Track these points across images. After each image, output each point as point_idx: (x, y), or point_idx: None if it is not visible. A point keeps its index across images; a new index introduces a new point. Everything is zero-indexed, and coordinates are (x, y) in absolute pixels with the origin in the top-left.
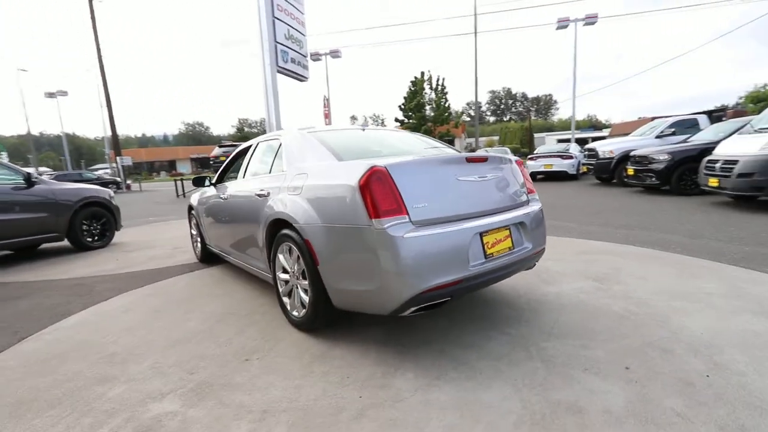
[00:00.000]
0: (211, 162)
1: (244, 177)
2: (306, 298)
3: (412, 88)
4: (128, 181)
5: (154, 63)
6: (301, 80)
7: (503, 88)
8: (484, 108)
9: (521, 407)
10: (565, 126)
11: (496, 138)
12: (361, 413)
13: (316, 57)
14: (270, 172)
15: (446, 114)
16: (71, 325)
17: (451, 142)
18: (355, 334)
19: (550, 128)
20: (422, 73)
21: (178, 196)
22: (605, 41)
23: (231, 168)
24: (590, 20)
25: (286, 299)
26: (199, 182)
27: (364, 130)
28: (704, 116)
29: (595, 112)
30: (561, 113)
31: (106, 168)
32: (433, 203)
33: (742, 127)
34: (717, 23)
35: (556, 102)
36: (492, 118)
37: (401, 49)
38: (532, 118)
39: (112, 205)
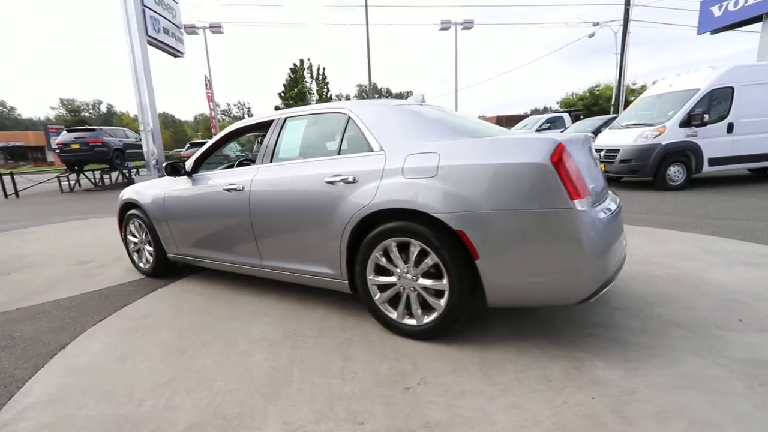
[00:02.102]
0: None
1: (271, 161)
2: (437, 302)
3: (292, 76)
4: None
5: None
6: (175, 55)
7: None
8: (352, 100)
9: (728, 372)
10: None
11: None
12: (626, 419)
13: (192, 30)
14: (339, 153)
15: None
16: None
17: None
18: (480, 334)
19: None
20: (301, 61)
21: (7, 196)
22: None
23: (212, 153)
24: (467, 25)
25: (387, 307)
26: (175, 171)
27: (421, 105)
28: (567, 114)
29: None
30: None
31: None
32: (589, 183)
33: (604, 123)
34: (545, 42)
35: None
36: None
37: (285, 34)
38: None
39: None
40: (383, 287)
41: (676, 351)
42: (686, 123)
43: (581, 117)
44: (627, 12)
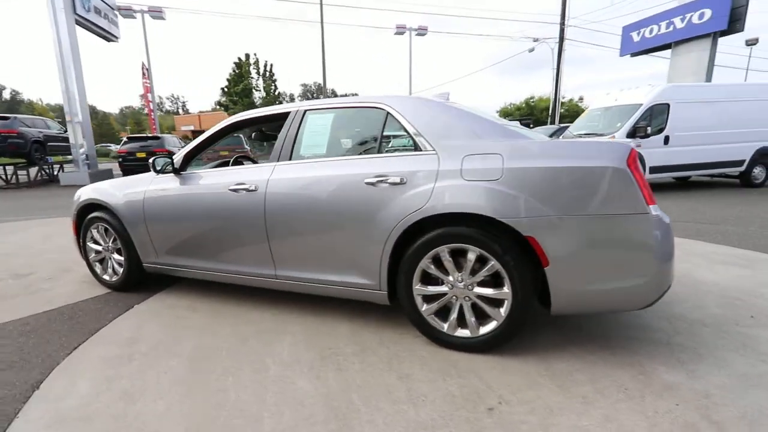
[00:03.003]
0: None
1: (290, 158)
2: (497, 311)
3: (237, 71)
4: None
5: None
6: (108, 39)
7: (314, 82)
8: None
9: None
10: None
11: None
12: (717, 425)
13: (128, 13)
14: (379, 151)
15: (277, 102)
16: None
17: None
18: (531, 343)
19: None
20: (247, 56)
21: None
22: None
23: (206, 149)
24: (421, 32)
25: (435, 319)
26: (164, 167)
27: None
28: (517, 122)
29: None
30: None
31: None
32: None
33: (555, 132)
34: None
35: None
36: None
37: (229, 25)
38: None
39: None
40: (431, 297)
41: (718, 350)
42: (632, 134)
43: (531, 126)
44: (562, 31)
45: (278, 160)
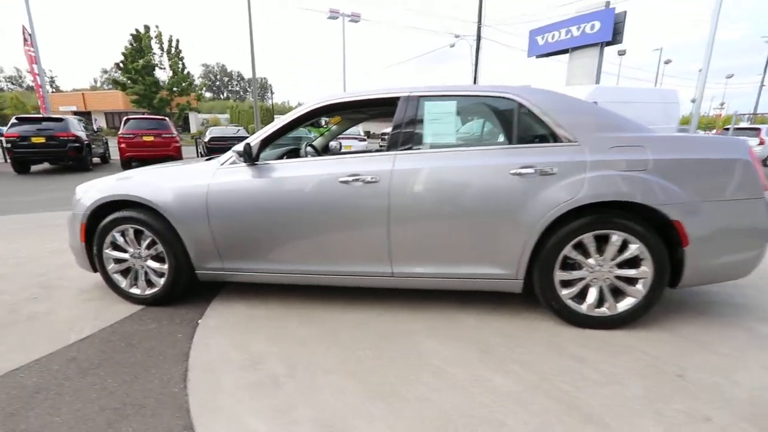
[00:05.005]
0: None
1: (411, 148)
2: (636, 289)
3: (135, 44)
4: None
5: None
6: None
7: (217, 63)
8: (197, 82)
9: None
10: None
11: (223, 116)
12: None
13: None
14: (515, 142)
15: (187, 82)
16: None
17: (186, 119)
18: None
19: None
20: (147, 28)
21: None
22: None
23: (282, 135)
24: (354, 18)
25: (574, 302)
26: (250, 157)
27: None
28: None
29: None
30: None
31: None
32: None
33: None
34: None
35: (271, 86)
36: (208, 94)
37: None
38: (249, 100)
39: None
40: (568, 282)
41: None
42: None
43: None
44: (479, 29)
45: (398, 149)
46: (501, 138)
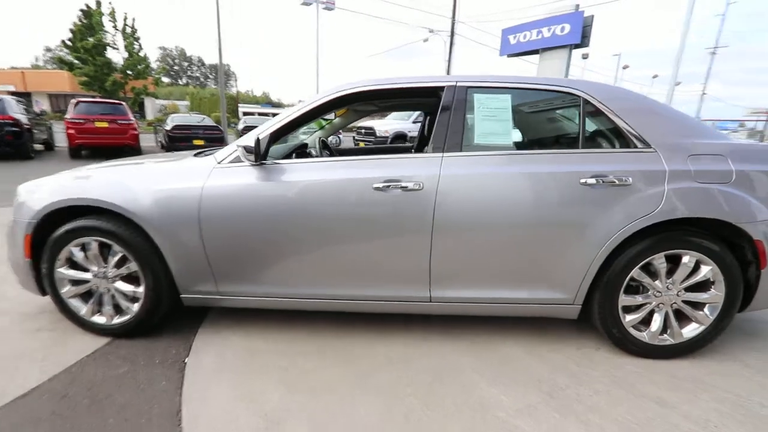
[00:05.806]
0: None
1: (461, 148)
2: (702, 315)
3: (84, 21)
4: None
5: None
6: None
7: (176, 47)
8: (154, 66)
9: None
10: (247, 100)
11: (183, 103)
12: None
13: None
14: (578, 146)
15: (144, 65)
16: None
17: (141, 105)
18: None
19: (245, 100)
20: (99, 3)
21: None
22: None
23: (293, 130)
24: (329, 5)
25: (635, 329)
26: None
27: None
28: None
29: (269, 91)
30: (240, 86)
31: None
32: None
33: None
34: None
35: (234, 74)
36: (166, 79)
37: None
38: (210, 87)
39: None
40: (631, 308)
41: None
42: None
43: None
44: (453, 25)
45: (445, 150)
46: (566, 139)
